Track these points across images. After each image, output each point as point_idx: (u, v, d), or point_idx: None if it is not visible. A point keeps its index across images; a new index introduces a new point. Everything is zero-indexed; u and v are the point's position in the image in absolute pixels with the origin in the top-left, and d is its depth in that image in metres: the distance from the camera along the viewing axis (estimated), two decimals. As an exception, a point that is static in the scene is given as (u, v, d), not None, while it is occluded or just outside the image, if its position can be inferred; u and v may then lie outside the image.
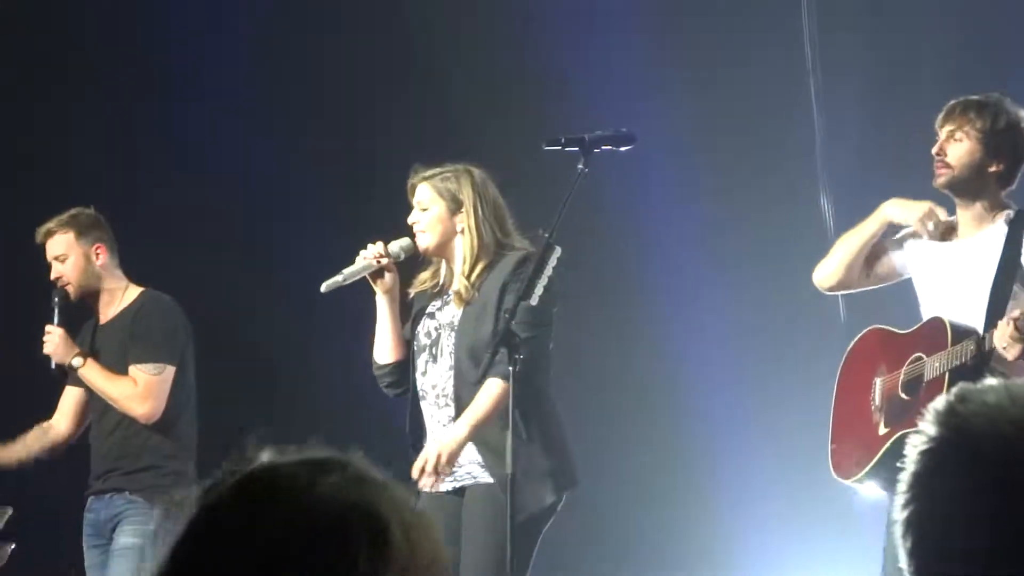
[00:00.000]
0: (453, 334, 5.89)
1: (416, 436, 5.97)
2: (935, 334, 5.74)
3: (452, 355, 5.87)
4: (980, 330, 5.62)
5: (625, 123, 5.97)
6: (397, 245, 5.94)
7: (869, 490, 5.97)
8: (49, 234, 6.84)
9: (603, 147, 5.75)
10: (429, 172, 5.98)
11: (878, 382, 5.92)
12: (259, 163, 8.65)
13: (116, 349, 6.81)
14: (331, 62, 8.74)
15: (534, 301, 5.55)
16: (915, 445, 1.81)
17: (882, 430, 5.84)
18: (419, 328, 6.00)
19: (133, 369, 6.73)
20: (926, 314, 5.88)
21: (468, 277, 5.89)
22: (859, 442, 5.94)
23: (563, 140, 5.77)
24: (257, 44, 8.73)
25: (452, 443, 5.69)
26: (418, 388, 5.96)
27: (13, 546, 6.71)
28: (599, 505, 8.10)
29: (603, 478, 8.05)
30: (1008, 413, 1.75)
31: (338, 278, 5.85)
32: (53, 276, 6.84)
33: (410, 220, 5.97)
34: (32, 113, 8.62)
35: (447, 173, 5.97)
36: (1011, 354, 5.46)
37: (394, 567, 1.70)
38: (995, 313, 5.61)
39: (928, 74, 7.96)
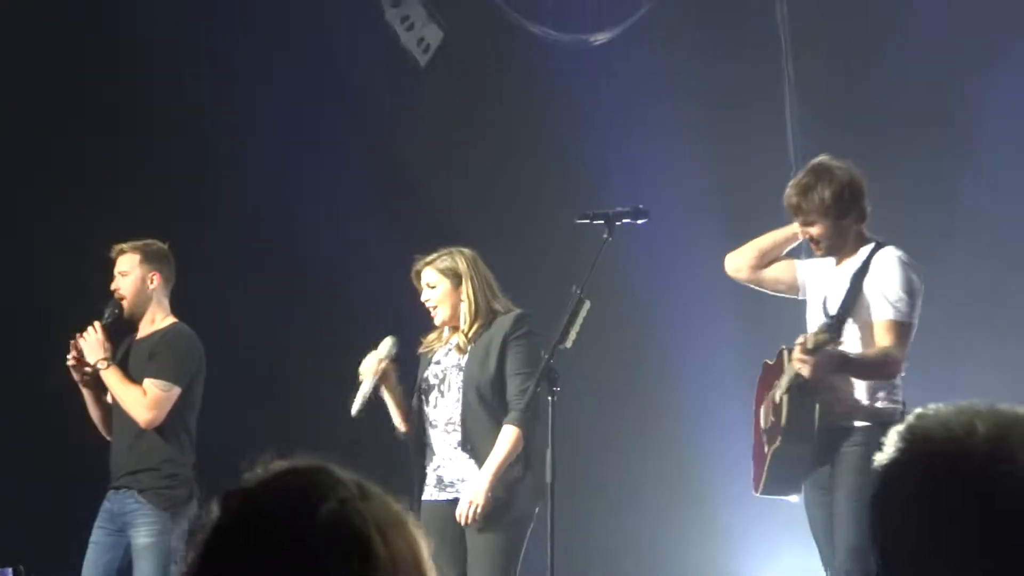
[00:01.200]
0: (461, 373, 6.90)
1: (422, 453, 6.97)
2: (780, 362, 6.31)
3: (460, 390, 6.88)
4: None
5: (642, 198, 6.77)
6: (385, 348, 6.94)
7: (774, 495, 6.48)
8: (121, 252, 7.39)
9: (624, 220, 6.60)
10: (430, 258, 6.98)
11: (762, 409, 6.49)
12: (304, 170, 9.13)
13: (140, 364, 7.30)
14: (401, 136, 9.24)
15: (569, 344, 6.52)
16: (879, 460, 1.88)
17: (766, 449, 6.40)
18: (427, 373, 7.00)
19: (146, 382, 7.23)
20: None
21: (467, 334, 6.92)
22: (758, 462, 6.51)
23: (591, 215, 6.65)
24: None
25: (481, 493, 6.68)
26: (429, 419, 6.97)
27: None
28: (612, 508, 8.84)
29: (617, 483, 8.86)
30: (958, 419, 1.82)
31: (361, 399, 6.85)
32: (113, 287, 7.39)
33: (423, 298, 6.94)
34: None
35: (444, 255, 6.97)
36: (805, 373, 6.01)
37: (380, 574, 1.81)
38: (838, 324, 6.14)
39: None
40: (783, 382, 6.25)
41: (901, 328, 6.20)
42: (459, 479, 6.87)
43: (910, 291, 6.22)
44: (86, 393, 7.46)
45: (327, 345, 8.93)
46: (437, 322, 6.99)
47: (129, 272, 7.41)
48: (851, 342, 6.27)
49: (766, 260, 6.69)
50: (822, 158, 6.39)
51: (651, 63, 9.03)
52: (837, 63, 8.97)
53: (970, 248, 8.46)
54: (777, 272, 6.68)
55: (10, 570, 6.68)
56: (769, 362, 6.54)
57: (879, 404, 6.24)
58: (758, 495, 6.55)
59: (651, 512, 8.92)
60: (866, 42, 8.90)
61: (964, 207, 8.54)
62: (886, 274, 6.23)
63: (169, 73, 9.11)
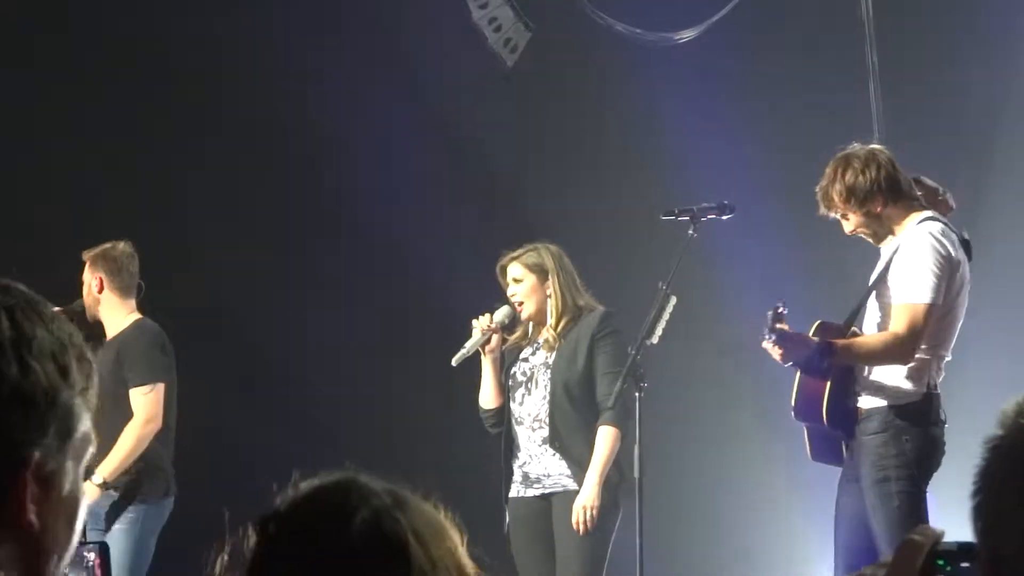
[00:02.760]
0: (548, 371, 6.98)
1: (509, 452, 7.03)
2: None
3: (547, 388, 6.96)
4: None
5: (727, 194, 6.84)
6: (501, 314, 7.02)
7: (823, 462, 6.45)
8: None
9: (709, 216, 6.68)
10: (516, 253, 7.05)
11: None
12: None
13: (108, 365, 7.18)
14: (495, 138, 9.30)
15: (655, 340, 6.61)
16: (986, 443, 1.82)
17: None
18: (515, 369, 7.08)
19: (131, 393, 7.29)
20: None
21: (555, 329, 6.98)
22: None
23: (676, 211, 6.74)
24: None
25: (591, 497, 6.74)
26: (515, 415, 7.05)
27: None
28: (700, 506, 8.87)
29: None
30: None
31: (464, 351, 6.94)
32: None
33: (509, 293, 7.00)
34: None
35: (530, 251, 7.04)
36: (775, 356, 6.04)
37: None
38: (859, 308, 6.21)
39: None
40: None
41: (914, 309, 6.03)
42: (545, 475, 6.95)
43: (932, 270, 6.03)
44: None
45: (417, 347, 9.04)
46: (523, 316, 7.04)
47: (85, 281, 7.54)
48: (870, 325, 6.24)
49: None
50: (847, 148, 6.26)
51: (735, 60, 9.09)
52: (921, 55, 8.96)
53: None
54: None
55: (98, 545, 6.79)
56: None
57: (899, 385, 6.11)
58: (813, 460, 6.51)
59: (739, 510, 8.95)
60: (950, 33, 8.89)
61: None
62: (909, 254, 6.09)
63: (255, 75, 9.18)
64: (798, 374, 6.27)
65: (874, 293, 6.21)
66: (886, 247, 6.22)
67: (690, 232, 6.68)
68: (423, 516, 1.89)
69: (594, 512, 6.71)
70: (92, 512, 7.26)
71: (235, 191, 9.26)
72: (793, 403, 6.32)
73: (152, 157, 9.18)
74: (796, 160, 8.61)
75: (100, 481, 7.20)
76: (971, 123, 8.62)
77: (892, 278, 6.13)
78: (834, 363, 6.06)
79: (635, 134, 9.13)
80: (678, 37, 9.31)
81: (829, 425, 6.19)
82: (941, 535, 1.88)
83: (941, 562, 1.86)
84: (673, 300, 6.59)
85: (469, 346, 6.97)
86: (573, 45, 9.53)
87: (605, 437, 6.80)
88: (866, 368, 6.16)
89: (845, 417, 6.18)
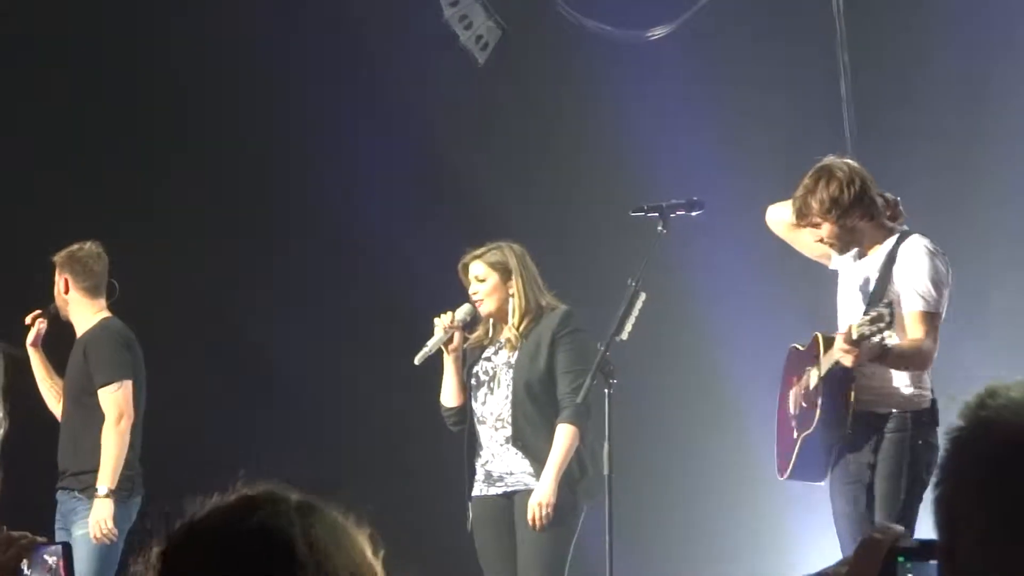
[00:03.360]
0: (511, 371, 6.98)
1: (472, 451, 7.03)
2: (814, 347, 6.34)
3: (510, 387, 6.96)
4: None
5: (697, 191, 6.84)
6: (462, 312, 7.02)
7: (802, 480, 6.55)
8: None
9: (678, 212, 6.67)
10: (478, 251, 7.04)
11: (791, 394, 6.50)
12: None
13: (76, 363, 7.44)
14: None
15: (624, 336, 6.60)
16: (948, 434, 1.83)
17: (795, 435, 6.43)
18: (477, 368, 7.07)
19: (99, 393, 7.33)
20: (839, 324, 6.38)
21: (518, 328, 6.98)
22: (785, 447, 6.54)
23: (646, 207, 6.73)
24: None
25: (547, 494, 6.75)
26: (477, 415, 7.04)
27: None
28: (669, 502, 8.86)
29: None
30: None
31: (426, 349, 6.94)
32: None
33: (471, 291, 6.99)
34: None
35: (493, 249, 7.04)
36: (847, 361, 6.05)
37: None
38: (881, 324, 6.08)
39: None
40: (820, 369, 6.28)
41: (931, 319, 6.25)
42: (508, 473, 6.95)
43: (936, 281, 6.25)
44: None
45: (381, 345, 8.99)
46: (484, 314, 7.04)
47: (55, 283, 7.58)
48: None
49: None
50: (826, 159, 6.39)
51: (707, 57, 9.07)
52: (893, 52, 8.96)
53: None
54: (816, 249, 6.61)
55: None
56: (799, 347, 6.57)
57: (911, 391, 6.29)
58: (784, 479, 6.60)
59: (709, 506, 8.95)
60: (921, 31, 8.87)
61: (1018, 190, 8.49)
62: (913, 264, 6.26)
63: (220, 75, 9.20)
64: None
65: (865, 298, 6.32)
66: (861, 258, 6.38)
67: (659, 229, 6.67)
68: (326, 526, 1.93)
69: (550, 510, 6.73)
70: (60, 512, 7.37)
71: (201, 191, 9.24)
72: (794, 422, 6.44)
73: (119, 157, 9.16)
74: (767, 158, 8.75)
75: (105, 492, 7.24)
76: (943, 123, 8.63)
77: (903, 287, 6.25)
78: (880, 363, 6.18)
79: (606, 131, 9.10)
80: (650, 35, 9.29)
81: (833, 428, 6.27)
82: (901, 533, 1.90)
83: (902, 559, 1.88)
84: (643, 297, 6.58)
85: (431, 344, 6.97)
86: (545, 43, 9.51)
87: (563, 435, 6.81)
88: (876, 376, 6.28)
89: (841, 421, 6.28)
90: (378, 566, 1.95)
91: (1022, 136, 8.42)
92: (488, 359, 7.08)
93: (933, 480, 1.84)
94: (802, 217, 6.31)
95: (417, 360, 6.95)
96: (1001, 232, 8.61)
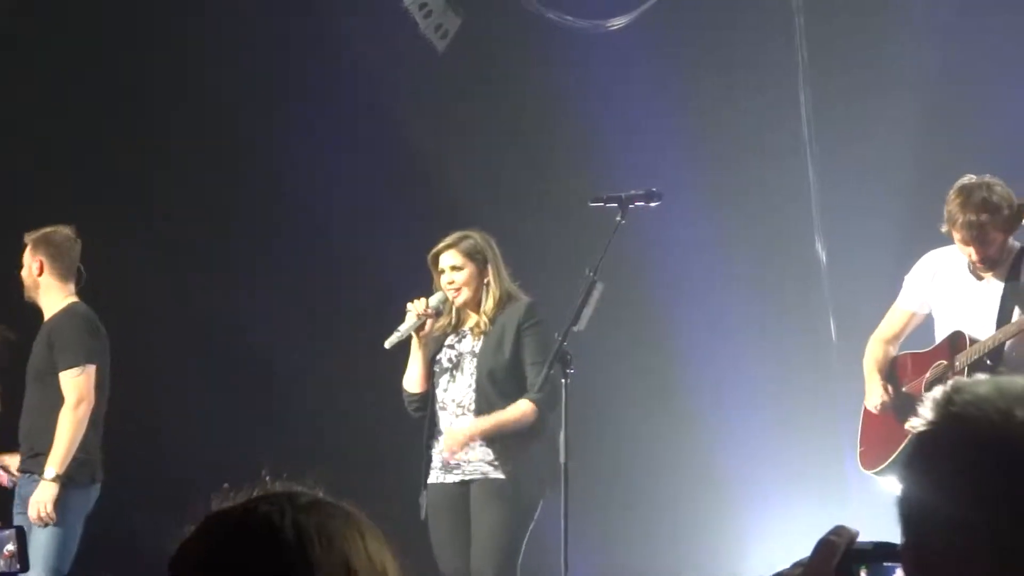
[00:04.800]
0: (475, 359, 6.98)
1: (431, 437, 7.03)
2: (957, 342, 6.47)
3: (473, 375, 6.96)
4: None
5: (656, 182, 6.83)
6: (436, 300, 7.00)
7: (889, 479, 6.57)
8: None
9: (637, 203, 6.65)
10: (451, 239, 7.02)
11: (902, 391, 6.64)
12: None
13: (40, 348, 7.40)
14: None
15: (582, 326, 6.58)
16: (913, 427, 1.83)
17: (908, 426, 6.33)
18: (440, 355, 7.06)
19: (60, 376, 7.29)
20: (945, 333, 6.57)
21: (489, 316, 6.99)
22: (885, 440, 6.57)
23: (605, 198, 6.72)
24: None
25: (471, 428, 6.83)
26: (438, 401, 7.04)
27: None
28: (626, 490, 8.88)
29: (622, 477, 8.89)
30: (996, 403, 1.76)
31: (398, 334, 6.91)
32: None
33: (446, 280, 6.97)
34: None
35: (466, 238, 7.02)
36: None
37: (287, 561, 1.92)
38: (1004, 319, 6.38)
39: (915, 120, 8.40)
40: (961, 359, 6.38)
41: None
42: (466, 461, 6.94)
43: None
44: None
45: (324, 332, 9.08)
46: (459, 303, 7.03)
47: (25, 263, 7.57)
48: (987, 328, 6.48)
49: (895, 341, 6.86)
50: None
51: (666, 48, 9.09)
52: (851, 47, 8.97)
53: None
54: (908, 330, 6.85)
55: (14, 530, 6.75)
56: (920, 352, 6.70)
57: None
58: (872, 472, 6.63)
59: (665, 494, 8.97)
60: (880, 26, 8.91)
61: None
62: None
63: (186, 63, 9.18)
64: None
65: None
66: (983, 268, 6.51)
67: (618, 219, 6.67)
68: (321, 516, 1.95)
69: (464, 439, 6.81)
70: (19, 496, 7.34)
71: (166, 179, 9.21)
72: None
73: (86, 147, 9.12)
74: (724, 149, 8.88)
75: (53, 475, 7.20)
76: (900, 114, 8.65)
77: None
78: None
79: (565, 121, 9.14)
80: (609, 25, 9.32)
81: None
82: (856, 535, 1.89)
83: (857, 562, 1.87)
84: (600, 287, 6.58)
85: (404, 329, 6.94)
86: (504, 31, 9.50)
87: (520, 406, 6.84)
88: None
89: None
90: (388, 565, 1.98)
91: (978, 129, 8.44)
92: (452, 346, 7.08)
93: (900, 476, 1.83)
94: (980, 229, 6.35)
95: (388, 344, 6.92)
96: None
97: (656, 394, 8.98)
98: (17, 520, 7.18)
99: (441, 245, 7.03)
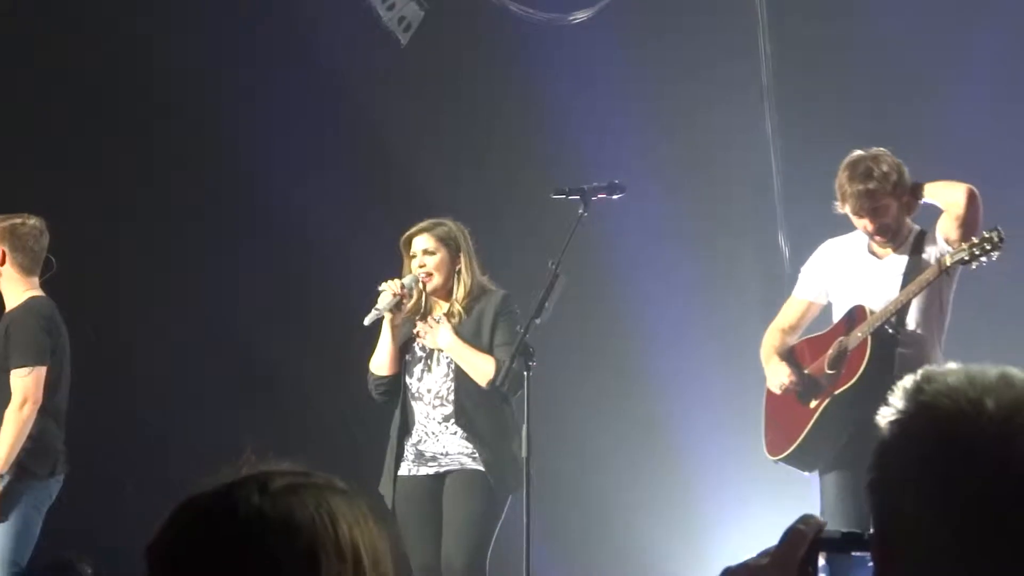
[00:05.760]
0: None
1: (405, 427, 6.98)
2: (856, 315, 6.41)
3: (451, 365, 6.94)
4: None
5: (619, 174, 6.81)
6: (409, 279, 6.96)
7: (799, 465, 6.56)
8: None
9: (599, 195, 6.65)
10: (425, 224, 7.01)
11: (804, 373, 6.58)
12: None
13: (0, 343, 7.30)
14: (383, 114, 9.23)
15: (545, 320, 6.56)
16: (884, 416, 1.83)
17: (812, 404, 6.48)
18: (413, 344, 7.04)
19: (11, 374, 7.19)
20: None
21: (461, 303, 6.98)
22: (789, 422, 6.55)
23: (567, 190, 6.70)
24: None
25: (445, 329, 6.88)
26: (412, 391, 7.00)
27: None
28: (587, 485, 8.83)
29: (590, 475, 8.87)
30: (967, 393, 1.76)
31: (376, 312, 6.87)
32: None
33: (417, 264, 6.96)
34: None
35: (439, 224, 7.02)
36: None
37: (247, 551, 1.89)
38: (904, 307, 6.31)
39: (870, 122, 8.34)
40: (863, 328, 6.33)
41: None
42: (442, 453, 6.91)
43: None
44: None
45: (298, 324, 9.06)
46: (429, 288, 7.01)
47: None
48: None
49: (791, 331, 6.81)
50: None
51: (628, 41, 9.09)
52: (813, 38, 8.99)
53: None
54: (806, 321, 6.81)
55: None
56: (809, 337, 6.68)
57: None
58: (778, 457, 6.60)
59: (627, 489, 8.94)
60: (842, 15, 8.92)
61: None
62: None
63: (151, 53, 9.10)
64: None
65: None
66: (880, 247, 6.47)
67: (580, 211, 6.65)
68: (287, 506, 1.91)
69: (435, 326, 6.89)
70: None
71: (131, 168, 9.16)
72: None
73: (69, 144, 9.09)
74: (686, 141, 8.89)
75: None
76: (865, 110, 8.66)
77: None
78: None
79: (528, 114, 9.14)
80: (571, 18, 9.32)
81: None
82: (824, 524, 1.90)
83: (825, 551, 1.89)
84: (563, 280, 6.56)
85: (382, 307, 6.89)
86: (467, 24, 9.49)
87: (486, 356, 6.83)
88: (915, 344, 6.37)
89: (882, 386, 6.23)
90: (378, 546, 1.94)
91: (940, 121, 8.46)
92: (421, 334, 7.05)
93: (870, 463, 1.83)
94: (870, 197, 6.30)
95: (367, 321, 6.87)
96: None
97: (618, 388, 8.98)
98: None
99: (414, 229, 7.02)
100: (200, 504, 1.92)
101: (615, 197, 6.74)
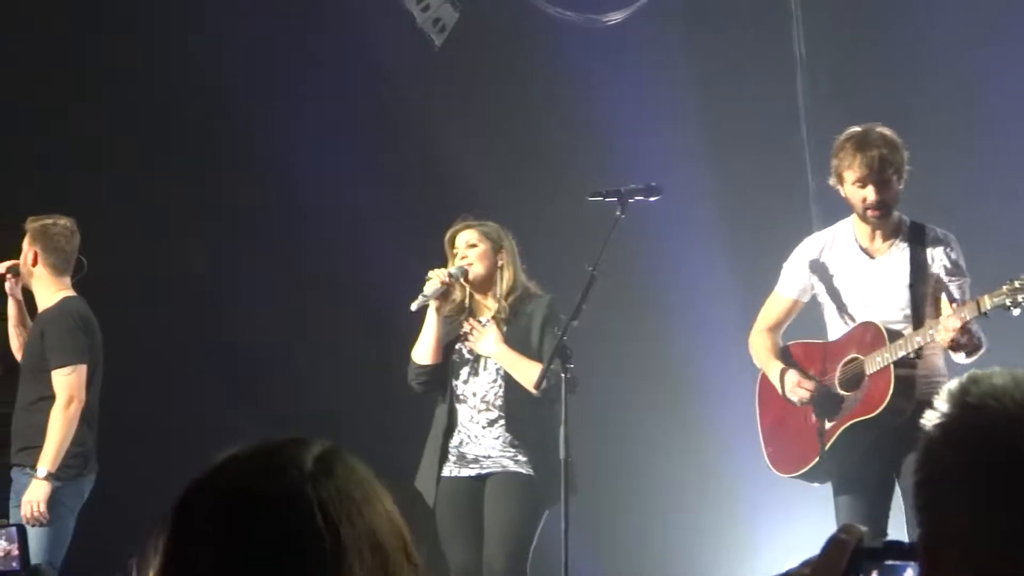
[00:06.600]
0: None
1: (450, 430, 6.98)
2: (870, 335, 6.24)
3: (499, 370, 6.95)
4: (910, 329, 6.17)
5: (655, 176, 6.79)
6: (456, 269, 6.97)
7: (813, 480, 6.45)
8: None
9: (636, 198, 6.63)
10: (469, 222, 7.07)
11: (803, 385, 6.38)
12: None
13: (34, 341, 7.41)
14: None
15: (579, 322, 6.55)
16: (929, 419, 1.83)
17: (827, 425, 6.31)
18: (459, 346, 7.03)
19: (52, 375, 7.26)
20: (837, 324, 6.39)
21: (506, 300, 7.00)
22: (797, 442, 6.41)
23: (604, 192, 6.69)
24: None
25: (493, 336, 6.88)
26: (457, 393, 7.01)
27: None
28: (625, 487, 8.84)
29: (623, 480, 8.87)
30: (1013, 394, 1.77)
31: (423, 298, 6.87)
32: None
33: (460, 256, 6.98)
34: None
35: (484, 223, 7.08)
36: (947, 337, 5.96)
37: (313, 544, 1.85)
38: (918, 315, 6.22)
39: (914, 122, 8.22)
40: (884, 355, 6.18)
41: None
42: (485, 456, 6.92)
43: None
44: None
45: (332, 328, 9.06)
46: (472, 278, 7.01)
47: (23, 251, 7.53)
48: (885, 312, 6.33)
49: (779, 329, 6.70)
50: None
51: (663, 42, 9.09)
52: (848, 41, 8.98)
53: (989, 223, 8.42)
54: (790, 320, 6.71)
55: (14, 528, 6.75)
56: (804, 342, 6.56)
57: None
58: (792, 476, 6.52)
59: (668, 493, 8.94)
60: (878, 19, 8.89)
61: (980, 178, 8.52)
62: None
63: (188, 59, 9.12)
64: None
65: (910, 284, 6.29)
66: (875, 242, 6.35)
67: (618, 214, 6.64)
68: (344, 489, 1.88)
69: (483, 332, 6.86)
70: (13, 490, 7.30)
71: (170, 176, 9.18)
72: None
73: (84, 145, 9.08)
74: (724, 142, 8.86)
75: (45, 474, 7.18)
76: (899, 106, 8.55)
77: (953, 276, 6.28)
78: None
79: (564, 116, 9.13)
80: (606, 19, 9.32)
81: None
82: (865, 533, 1.89)
83: (867, 560, 1.88)
84: (600, 282, 6.54)
85: (428, 294, 6.89)
86: (501, 26, 9.50)
87: (535, 365, 6.76)
88: (939, 362, 6.28)
89: (903, 410, 6.16)
90: (401, 524, 1.92)
91: (976, 118, 8.45)
92: (468, 338, 7.06)
93: (916, 465, 1.84)
94: (881, 163, 6.16)
95: (414, 307, 6.86)
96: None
97: (657, 390, 8.95)
98: (14, 515, 7.19)
99: (459, 225, 7.07)
100: (246, 485, 1.89)
101: (652, 199, 6.73)
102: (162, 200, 9.05)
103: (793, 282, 6.59)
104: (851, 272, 6.40)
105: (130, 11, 9.18)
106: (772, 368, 6.56)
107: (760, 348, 6.65)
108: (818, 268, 6.50)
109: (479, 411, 6.97)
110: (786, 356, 6.58)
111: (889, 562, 1.89)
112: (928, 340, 6.10)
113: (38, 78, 9.01)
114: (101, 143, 9.04)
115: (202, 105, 9.15)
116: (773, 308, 6.67)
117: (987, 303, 5.91)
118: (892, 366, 6.18)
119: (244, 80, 9.08)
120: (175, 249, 9.07)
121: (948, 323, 5.99)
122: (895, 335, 6.22)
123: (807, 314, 6.68)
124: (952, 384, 1.84)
